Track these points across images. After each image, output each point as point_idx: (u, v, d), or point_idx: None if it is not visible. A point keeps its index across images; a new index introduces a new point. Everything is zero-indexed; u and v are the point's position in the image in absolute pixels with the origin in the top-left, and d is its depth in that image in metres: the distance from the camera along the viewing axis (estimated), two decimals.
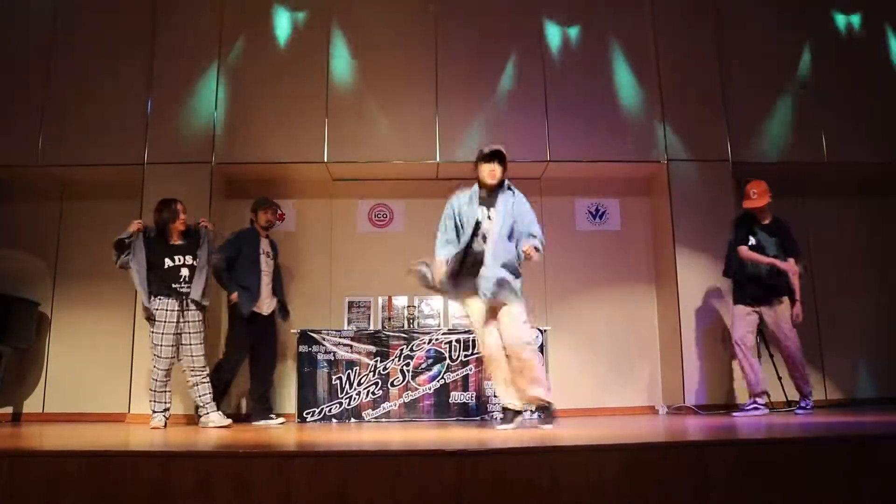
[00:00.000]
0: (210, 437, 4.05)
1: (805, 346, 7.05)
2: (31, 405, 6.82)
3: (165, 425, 5.34)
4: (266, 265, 6.07)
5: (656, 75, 7.01)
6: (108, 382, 6.72)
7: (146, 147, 6.69)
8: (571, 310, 7.08)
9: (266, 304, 6.01)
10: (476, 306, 4.58)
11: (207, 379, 5.43)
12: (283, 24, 7.03)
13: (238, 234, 6.22)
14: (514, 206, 4.66)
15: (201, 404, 5.42)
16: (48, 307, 6.98)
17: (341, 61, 6.96)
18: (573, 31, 7.13)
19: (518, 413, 4.65)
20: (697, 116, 6.93)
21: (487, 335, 4.57)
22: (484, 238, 4.57)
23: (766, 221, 5.90)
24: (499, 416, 6.11)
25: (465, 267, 4.56)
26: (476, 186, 4.73)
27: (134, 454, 2.82)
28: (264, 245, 6.14)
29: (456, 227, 4.67)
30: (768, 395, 5.92)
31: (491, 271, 4.45)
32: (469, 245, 4.57)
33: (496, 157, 4.66)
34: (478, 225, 4.59)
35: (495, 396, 4.75)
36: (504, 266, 4.50)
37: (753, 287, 5.80)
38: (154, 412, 5.34)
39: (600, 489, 2.54)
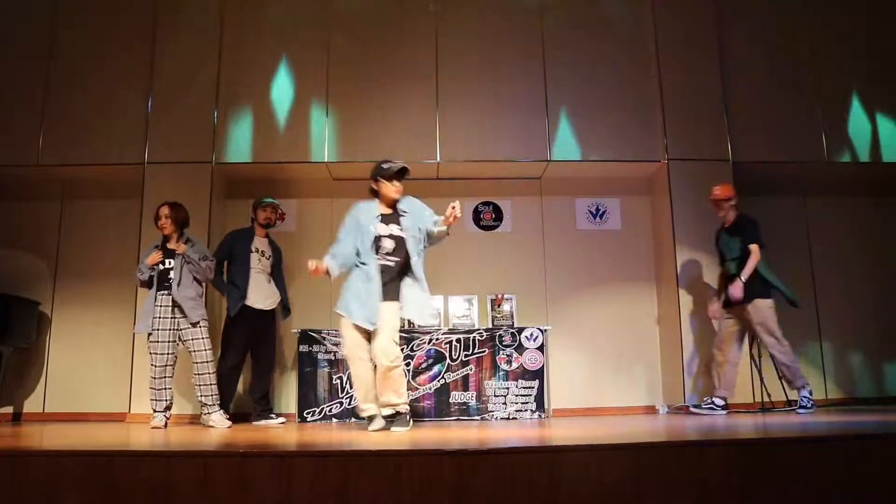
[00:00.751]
0: (211, 437, 4.05)
1: (806, 346, 7.11)
2: (31, 405, 6.82)
3: (166, 425, 5.34)
4: (258, 263, 6.05)
5: (657, 74, 7.01)
6: (108, 382, 6.73)
7: (146, 146, 6.69)
8: (572, 309, 7.08)
9: (261, 300, 5.99)
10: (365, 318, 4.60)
11: (211, 379, 5.44)
12: (282, 23, 7.03)
13: (229, 234, 6.25)
14: (415, 210, 4.76)
15: (203, 403, 5.44)
16: (48, 307, 6.98)
17: (341, 61, 6.95)
18: (574, 31, 7.12)
19: (375, 417, 4.63)
20: (698, 116, 6.92)
21: (359, 347, 4.62)
22: (386, 254, 4.64)
23: (728, 224, 6.18)
24: (497, 416, 6.12)
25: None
26: (376, 203, 4.78)
27: (134, 454, 2.82)
28: (259, 243, 6.12)
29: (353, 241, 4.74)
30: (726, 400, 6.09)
31: (419, 294, 4.64)
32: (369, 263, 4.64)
33: (404, 174, 4.75)
34: (378, 240, 4.66)
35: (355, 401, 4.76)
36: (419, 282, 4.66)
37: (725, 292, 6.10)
38: (155, 411, 5.35)
39: (600, 489, 2.54)
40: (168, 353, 5.37)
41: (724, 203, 6.14)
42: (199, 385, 5.41)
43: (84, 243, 7.06)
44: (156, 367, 5.34)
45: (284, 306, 6.20)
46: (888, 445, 2.76)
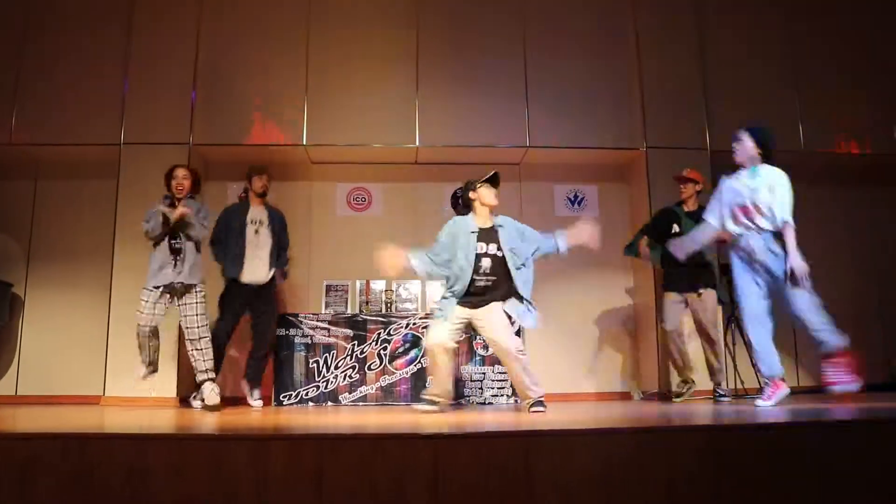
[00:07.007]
0: (186, 420, 4.04)
1: (780, 333, 7.17)
2: (3, 387, 6.75)
3: (148, 376, 5.36)
4: (255, 236, 5.92)
5: (636, 63, 7.03)
6: (82, 365, 6.67)
7: (122, 127, 6.61)
8: (548, 295, 7.08)
9: (257, 275, 5.87)
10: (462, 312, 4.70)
11: (202, 348, 5.22)
12: (263, 4, 6.95)
13: (224, 210, 6.15)
14: (511, 227, 4.87)
15: (196, 371, 5.26)
16: (21, 288, 6.90)
17: (322, 43, 6.90)
18: (554, 17, 7.12)
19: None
20: (677, 104, 6.95)
21: (445, 332, 4.63)
22: (484, 273, 4.70)
23: (690, 209, 6.11)
24: (473, 401, 6.15)
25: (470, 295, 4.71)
26: (472, 218, 4.84)
27: (109, 436, 2.80)
28: (255, 214, 6.01)
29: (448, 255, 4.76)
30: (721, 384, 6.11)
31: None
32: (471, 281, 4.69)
33: (498, 180, 4.89)
34: (477, 259, 4.71)
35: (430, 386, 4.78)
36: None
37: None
38: (142, 362, 5.29)
39: (575, 473, 2.56)
40: (155, 313, 5.18)
41: (691, 185, 6.12)
42: (195, 350, 5.21)
43: (58, 224, 6.98)
44: (140, 314, 5.16)
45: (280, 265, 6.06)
46: (859, 432, 2.81)
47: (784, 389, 4.79)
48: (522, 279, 4.81)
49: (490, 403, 6.14)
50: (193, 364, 5.29)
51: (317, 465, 2.51)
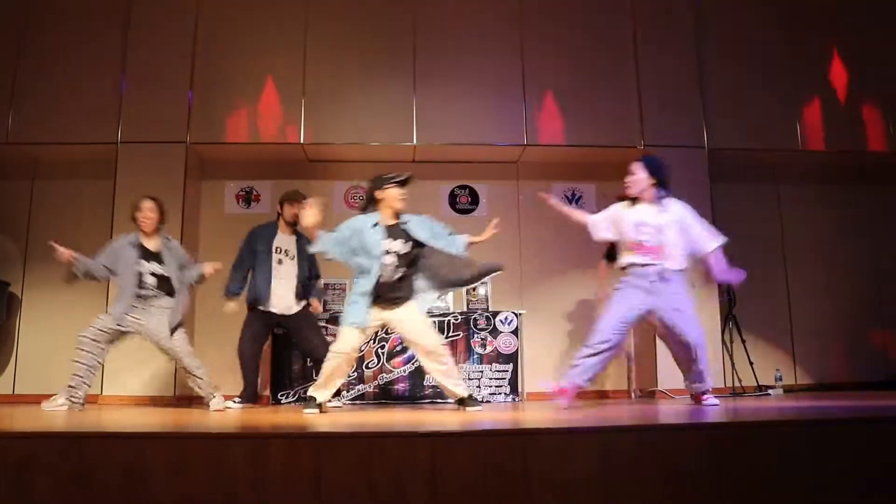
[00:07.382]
0: (185, 419, 4.04)
1: (777, 331, 7.20)
2: (1, 387, 6.74)
3: (65, 407, 4.97)
4: (279, 266, 5.70)
5: (634, 61, 7.02)
6: None
7: (119, 125, 6.60)
8: (546, 293, 7.11)
9: (283, 305, 5.69)
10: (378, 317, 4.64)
11: (201, 373, 5.12)
12: (261, 3, 6.94)
13: (252, 229, 5.91)
14: (418, 220, 4.78)
15: (203, 397, 5.19)
16: (18, 288, 6.89)
17: (319, 41, 6.89)
18: (552, 16, 7.11)
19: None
20: (674, 103, 6.94)
21: (357, 339, 4.60)
22: (394, 268, 4.61)
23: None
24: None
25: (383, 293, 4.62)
26: (378, 216, 4.68)
27: (107, 436, 2.80)
28: (283, 241, 5.77)
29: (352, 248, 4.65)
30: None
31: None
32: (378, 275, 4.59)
33: (408, 184, 4.76)
34: (385, 255, 4.61)
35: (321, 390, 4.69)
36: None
37: None
38: (69, 387, 4.98)
39: (572, 472, 2.56)
40: (102, 346, 5.11)
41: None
42: (197, 380, 5.13)
43: (56, 224, 6.94)
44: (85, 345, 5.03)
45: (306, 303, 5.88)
46: (859, 431, 2.81)
47: (569, 400, 4.73)
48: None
49: (488, 402, 6.14)
50: (199, 392, 5.21)
51: (315, 464, 2.51)
